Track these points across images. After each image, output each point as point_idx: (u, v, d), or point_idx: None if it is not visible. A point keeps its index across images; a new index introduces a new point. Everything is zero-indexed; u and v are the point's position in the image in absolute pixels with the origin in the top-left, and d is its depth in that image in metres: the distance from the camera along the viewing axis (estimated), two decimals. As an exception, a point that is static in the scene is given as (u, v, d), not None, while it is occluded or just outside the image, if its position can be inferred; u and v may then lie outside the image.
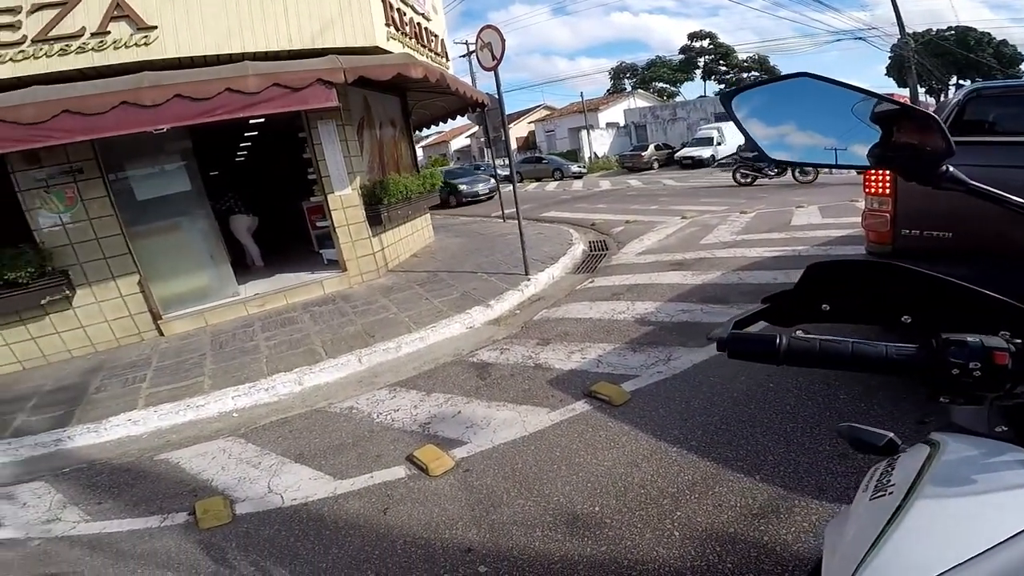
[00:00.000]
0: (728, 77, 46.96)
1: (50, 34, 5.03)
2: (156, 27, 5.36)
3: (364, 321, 5.30)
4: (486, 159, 27.00)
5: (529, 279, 6.17)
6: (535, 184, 25.02)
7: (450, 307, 5.42)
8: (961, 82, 33.97)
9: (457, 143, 46.39)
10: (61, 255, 5.37)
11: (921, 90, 27.36)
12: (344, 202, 6.73)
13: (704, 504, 2.33)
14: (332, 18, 6.15)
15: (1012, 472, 0.65)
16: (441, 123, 11.38)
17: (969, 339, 0.63)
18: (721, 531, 2.16)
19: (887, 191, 3.18)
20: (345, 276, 6.86)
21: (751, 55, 47.60)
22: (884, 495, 0.69)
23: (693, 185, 16.22)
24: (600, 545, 2.17)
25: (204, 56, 5.63)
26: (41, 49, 5.04)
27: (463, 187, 18.62)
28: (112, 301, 5.67)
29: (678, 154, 25.56)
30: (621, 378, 3.65)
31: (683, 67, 47.85)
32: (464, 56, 27.09)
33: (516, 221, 6.56)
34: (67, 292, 5.35)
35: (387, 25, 6.79)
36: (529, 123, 42.08)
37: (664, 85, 47.54)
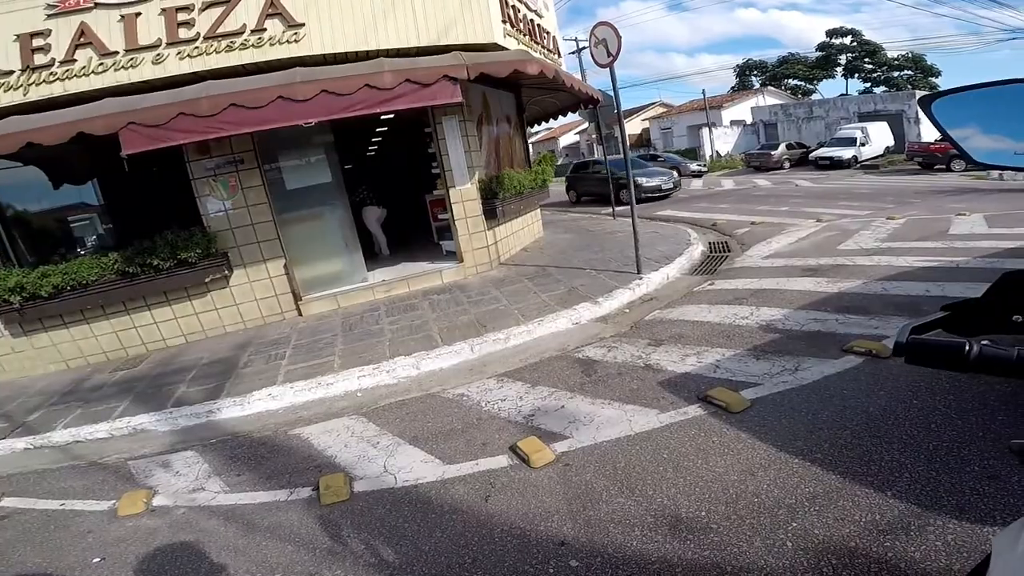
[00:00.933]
0: (875, 75, 43.06)
1: (218, 31, 5.72)
2: (304, 24, 5.89)
3: (477, 311, 5.48)
4: (595, 155, 26.33)
5: (641, 278, 6.00)
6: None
7: (557, 302, 5.44)
8: None
9: (565, 139, 46.53)
10: (223, 238, 6.14)
11: None
12: (464, 195, 7.01)
13: (824, 517, 2.15)
14: (455, 15, 6.41)
15: None
16: (553, 120, 11.42)
17: None
18: (840, 545, 1.99)
19: None
20: (461, 267, 7.16)
21: (903, 53, 42.95)
22: None
23: (830, 187, 14.83)
24: (703, 549, 2.07)
25: (345, 53, 6.11)
26: (211, 45, 5.74)
27: (643, 180, 14.92)
28: (262, 282, 6.39)
29: (814, 154, 23.55)
30: (741, 385, 3.43)
31: (821, 64, 44.52)
32: (573, 53, 26.81)
33: (627, 219, 6.41)
34: (226, 272, 6.14)
35: (503, 22, 6.95)
36: (643, 120, 41.33)
37: (798, 82, 44.64)
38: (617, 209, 11.36)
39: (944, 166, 17.18)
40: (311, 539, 2.53)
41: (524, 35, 7.63)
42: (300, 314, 6.53)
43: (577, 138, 44.70)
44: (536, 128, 16.60)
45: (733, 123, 34.33)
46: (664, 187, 15.34)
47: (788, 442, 2.73)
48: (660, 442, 2.88)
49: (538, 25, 8.28)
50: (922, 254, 5.99)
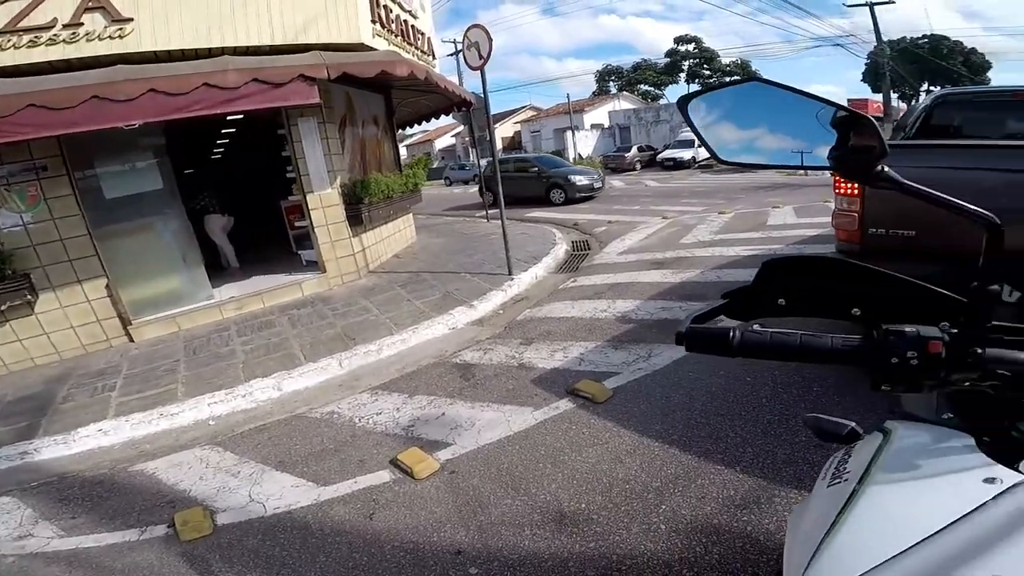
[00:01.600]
0: (711, 80, 48.23)
1: (19, 25, 4.90)
2: (132, 19, 5.25)
3: (344, 324, 5.28)
4: (471, 158, 26.51)
5: (512, 279, 6.23)
6: None
7: (433, 308, 5.44)
8: (931, 88, 35.17)
9: (442, 142, 46.80)
10: (22, 257, 5.19)
11: (894, 96, 28.14)
12: (324, 201, 6.69)
13: (688, 497, 2.40)
14: (316, 13, 6.11)
15: (954, 458, 0.69)
16: (425, 122, 11.34)
17: (907, 329, 0.67)
18: (706, 523, 2.23)
19: (855, 192, 3.28)
20: (325, 278, 6.83)
21: (734, 59, 49.03)
22: (840, 482, 0.73)
23: (674, 186, 16.51)
24: (588, 541, 2.22)
25: (182, 50, 5.53)
26: (9, 40, 4.90)
27: (577, 179, 14.99)
28: (78, 306, 5.53)
29: (660, 156, 26.08)
30: (603, 375, 3.73)
31: (668, 70, 49.10)
32: (451, 55, 26.90)
33: (500, 221, 6.60)
34: (29, 297, 5.20)
35: (373, 22, 6.78)
36: (515, 123, 42.81)
37: (649, 88, 48.87)
38: (491, 211, 11.57)
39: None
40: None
41: (396, 36, 7.50)
42: (131, 340, 5.76)
43: (453, 141, 44.92)
44: (410, 131, 16.02)
45: (593, 127, 36.63)
46: (595, 186, 15.42)
47: (648, 426, 3.03)
48: (537, 439, 3.04)
49: (412, 26, 8.18)
50: (747, 244, 7.04)
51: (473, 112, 9.12)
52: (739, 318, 0.85)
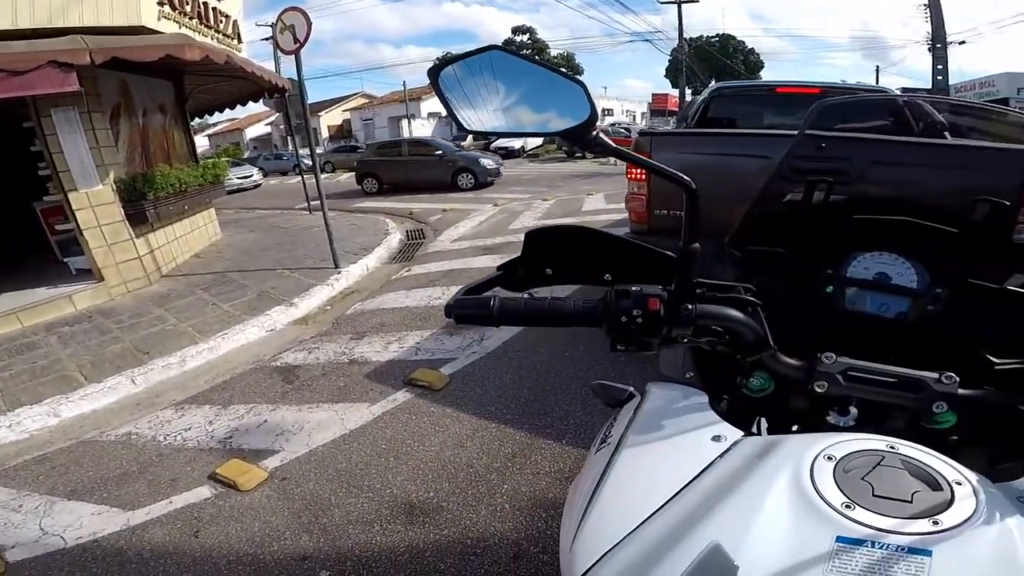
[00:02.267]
0: None
1: None
2: None
3: (134, 337, 4.54)
4: (289, 148, 24.82)
5: (340, 272, 5.95)
6: (349, 174, 23.50)
7: (245, 310, 4.94)
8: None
9: (254, 131, 43.12)
10: None
11: (688, 91, 32.38)
12: (93, 200, 5.61)
13: (525, 474, 2.53)
14: None
15: (690, 416, 0.75)
16: (230, 109, 10.33)
17: (632, 289, 0.71)
18: (543, 498, 2.36)
19: (643, 176, 3.68)
20: (103, 287, 5.76)
21: (561, 52, 52.31)
22: (604, 446, 0.76)
23: (506, 175, 16.78)
24: (441, 529, 2.22)
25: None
26: None
27: (487, 163, 14.72)
28: None
29: (493, 145, 26.99)
30: (440, 362, 3.76)
31: None
32: (269, 39, 24.52)
33: (323, 214, 6.23)
34: None
35: (160, 4, 6.04)
36: (344, 111, 41.46)
37: None
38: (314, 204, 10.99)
39: (581, 155, 21.76)
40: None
41: (191, 18, 6.74)
42: None
43: (268, 129, 41.56)
44: (213, 119, 14.18)
45: (431, 115, 36.48)
46: (500, 170, 15.41)
47: (484, 409, 3.13)
48: (377, 434, 2.96)
49: (214, 8, 7.36)
50: None
51: (289, 99, 8.52)
52: (514, 289, 0.90)
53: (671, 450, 0.70)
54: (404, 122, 34.73)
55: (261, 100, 9.21)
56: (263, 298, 5.27)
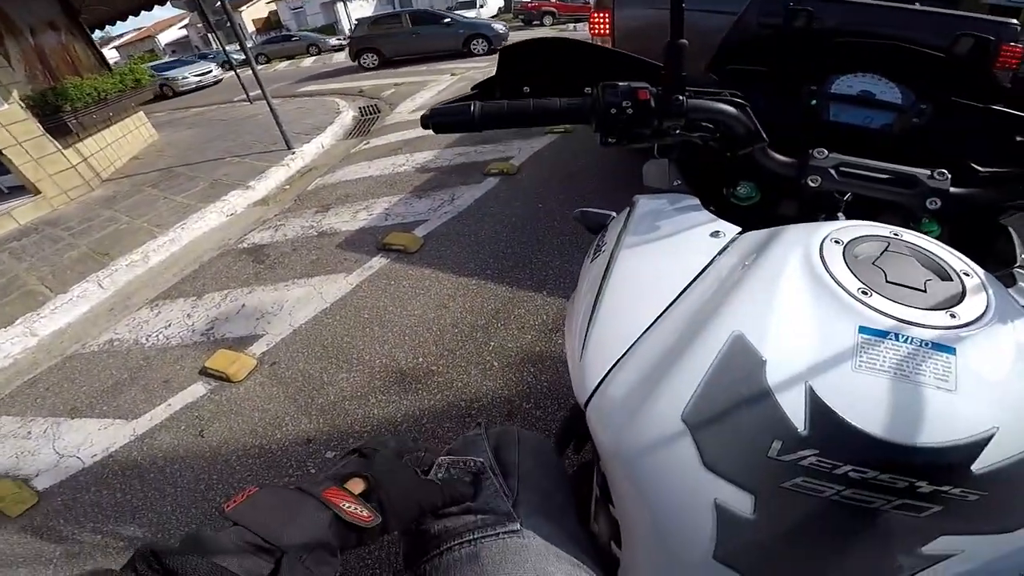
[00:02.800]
0: None
1: None
2: None
3: (89, 240, 4.33)
4: (214, 48, 22.76)
5: (294, 152, 5.70)
6: (287, 63, 22.08)
7: (199, 199, 4.70)
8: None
9: (168, 36, 40.67)
10: None
11: None
12: (3, 119, 5.18)
13: (510, 329, 2.57)
14: None
15: (685, 216, 0.75)
16: (133, 16, 9.28)
17: (620, 83, 0.70)
18: (530, 352, 2.41)
19: (607, 31, 3.60)
20: (43, 199, 5.45)
21: None
22: (599, 255, 0.76)
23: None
24: (435, 394, 2.27)
25: None
26: None
27: (500, 28, 14.85)
28: None
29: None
30: (412, 225, 3.69)
31: None
32: None
33: (265, 100, 5.77)
34: None
35: None
36: (269, 3, 39.28)
37: None
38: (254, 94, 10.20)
39: (539, 22, 21.00)
40: (30, 553, 1.96)
41: None
42: None
43: (185, 32, 39.45)
44: (117, 30, 12.46)
45: None
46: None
47: (463, 266, 3.12)
48: (358, 303, 2.97)
49: None
50: None
51: None
52: None
53: (670, 249, 0.69)
54: (340, 6, 33.27)
55: (168, 3, 8.29)
56: (217, 185, 5.00)
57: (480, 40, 14.40)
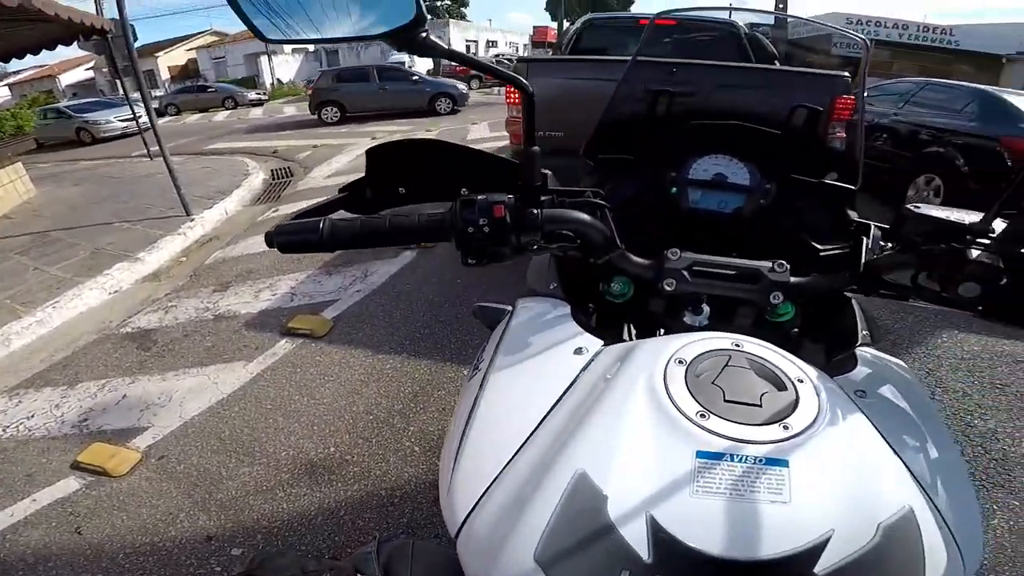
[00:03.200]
0: (424, 3, 50.81)
1: None
2: None
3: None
4: (120, 93, 22.02)
5: (193, 219, 5.48)
6: (199, 115, 21.86)
7: (78, 272, 4.38)
8: (594, 14, 43.86)
9: (71, 77, 38.85)
10: None
11: (567, 23, 32.99)
12: None
13: (431, 413, 2.58)
14: None
15: (554, 330, 0.75)
16: (32, 55, 8.83)
17: (478, 198, 0.70)
18: None
19: (520, 100, 3.85)
20: None
21: None
22: (475, 373, 0.75)
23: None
24: (352, 484, 2.20)
25: None
26: None
27: (463, 88, 15.26)
28: None
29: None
30: (321, 306, 3.66)
31: None
32: None
33: (173, 157, 5.66)
34: None
35: None
36: (188, 50, 39.05)
37: None
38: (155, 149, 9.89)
39: (468, 85, 22.69)
40: None
41: None
42: None
43: (91, 74, 37.70)
44: (13, 66, 11.73)
45: (295, 51, 35.29)
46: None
47: (376, 350, 3.12)
48: (259, 393, 2.85)
49: None
50: None
51: (114, 40, 7.42)
52: (364, 212, 0.87)
53: (536, 369, 0.70)
54: (263, 59, 33.68)
55: (76, 43, 8.05)
56: (100, 256, 4.69)
57: (445, 99, 15.12)
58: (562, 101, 3.74)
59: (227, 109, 24.02)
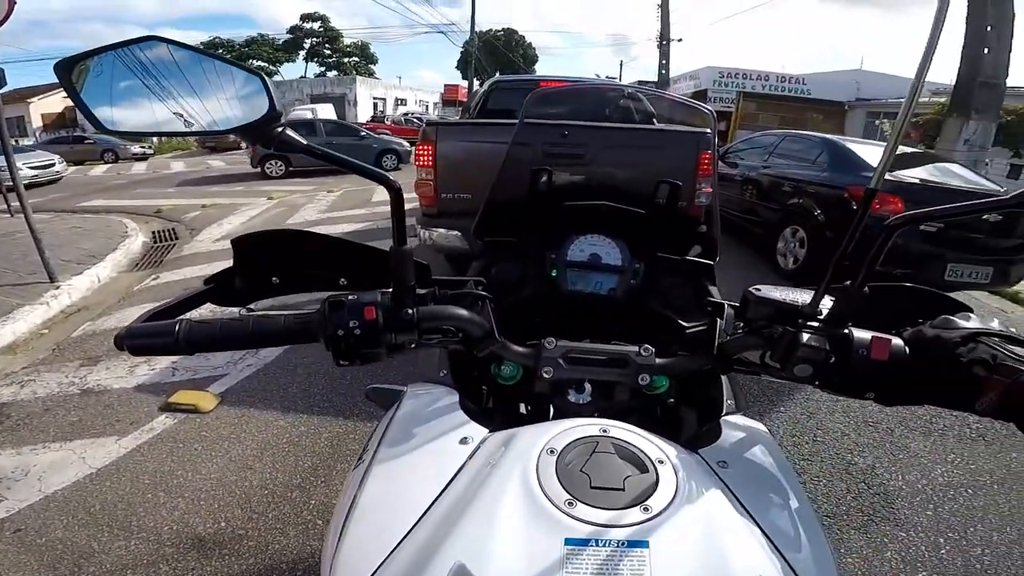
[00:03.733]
0: (331, 60, 52.13)
1: None
2: None
3: None
4: None
5: (59, 287, 5.10)
6: (73, 168, 20.33)
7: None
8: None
9: None
10: None
11: (476, 82, 35.21)
12: None
13: (333, 485, 2.57)
14: None
15: (440, 420, 0.78)
16: None
17: (348, 298, 0.70)
18: None
19: (430, 163, 4.20)
20: None
21: (356, 41, 53.50)
22: (360, 464, 0.76)
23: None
24: (247, 557, 2.14)
25: None
26: None
27: (406, 144, 15.82)
28: None
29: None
30: (206, 381, 3.55)
31: (288, 47, 50.76)
32: None
33: (38, 215, 5.30)
34: None
35: None
36: (65, 98, 36.39)
37: (263, 64, 48.86)
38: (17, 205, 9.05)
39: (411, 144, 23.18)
40: None
41: None
42: None
43: None
44: None
45: None
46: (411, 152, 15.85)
47: (270, 425, 3.08)
48: (135, 468, 2.71)
49: None
50: (354, 221, 8.05)
51: None
52: (233, 303, 0.86)
53: (420, 460, 0.71)
54: None
55: None
56: (-62, 327, 4.26)
57: (391, 155, 16.29)
58: (470, 164, 4.04)
59: (107, 163, 23.01)
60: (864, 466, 2.84)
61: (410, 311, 0.71)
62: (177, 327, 0.70)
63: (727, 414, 0.83)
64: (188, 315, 0.78)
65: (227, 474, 2.67)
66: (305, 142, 0.69)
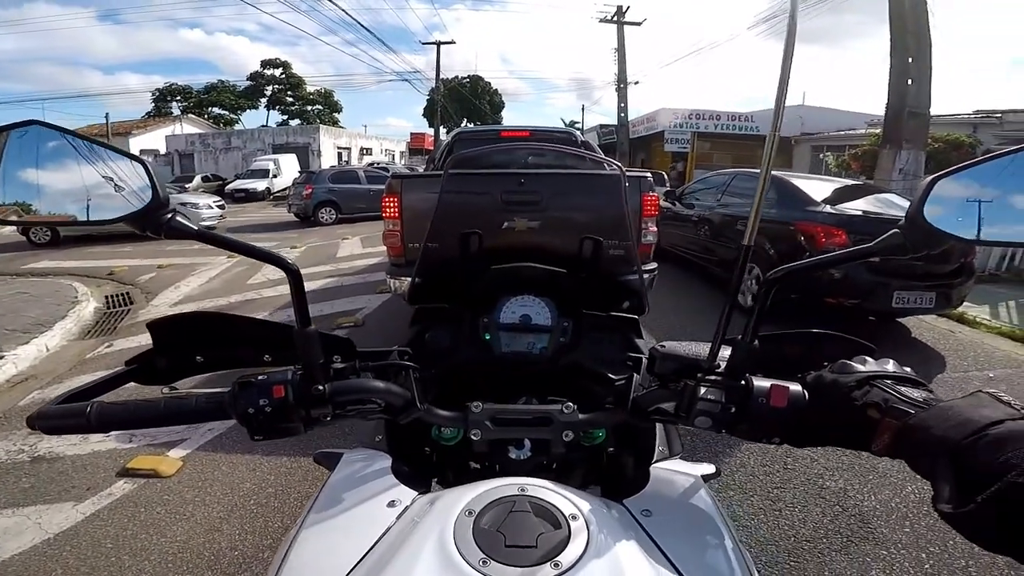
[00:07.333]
0: (293, 108, 52.06)
1: None
2: None
3: None
4: None
5: (4, 356, 5.09)
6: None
7: None
8: (468, 123, 46.31)
9: None
10: None
11: (443, 130, 36.26)
12: None
13: None
14: None
15: (371, 484, 0.81)
16: None
17: (258, 378, 0.73)
18: None
19: (396, 215, 4.45)
20: None
21: (319, 88, 53.35)
22: (292, 527, 0.78)
23: (245, 220, 16.70)
24: None
25: None
26: None
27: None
28: None
29: (230, 186, 26.23)
30: (166, 446, 3.58)
31: (248, 94, 50.39)
32: None
33: None
34: None
35: None
36: None
37: (224, 112, 48.73)
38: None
39: None
40: None
41: None
42: None
43: None
44: None
45: (144, 152, 34.07)
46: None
47: (238, 487, 3.13)
48: (96, 533, 2.74)
49: None
50: (318, 277, 8.10)
51: None
52: (157, 383, 0.87)
53: (348, 524, 0.74)
54: None
55: None
56: None
57: (329, 209, 17.00)
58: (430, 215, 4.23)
59: (51, 220, 22.49)
60: (836, 489, 3.01)
61: (320, 387, 0.75)
62: (89, 408, 0.74)
63: (657, 460, 0.89)
64: (104, 396, 0.81)
65: (194, 537, 2.71)
66: (196, 228, 0.72)
